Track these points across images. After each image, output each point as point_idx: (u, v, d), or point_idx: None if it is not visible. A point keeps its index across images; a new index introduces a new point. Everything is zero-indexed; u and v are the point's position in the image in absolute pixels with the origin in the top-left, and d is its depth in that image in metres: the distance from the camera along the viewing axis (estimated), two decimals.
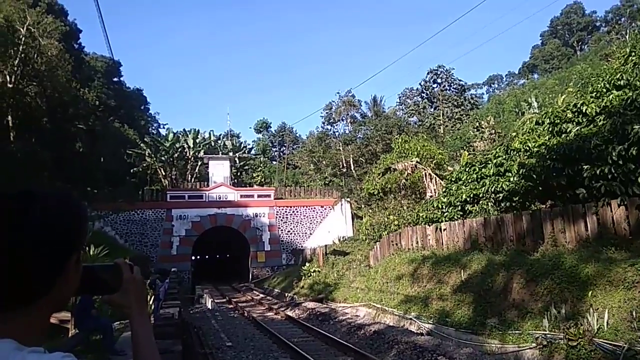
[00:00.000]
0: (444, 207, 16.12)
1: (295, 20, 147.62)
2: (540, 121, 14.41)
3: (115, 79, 60.51)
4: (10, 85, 30.18)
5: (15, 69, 30.17)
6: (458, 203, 15.46)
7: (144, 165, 40.24)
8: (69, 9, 48.49)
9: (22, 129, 31.77)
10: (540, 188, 12.66)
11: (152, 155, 39.40)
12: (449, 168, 23.28)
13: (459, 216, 15.48)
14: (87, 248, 21.08)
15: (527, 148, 12.75)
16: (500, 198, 13.96)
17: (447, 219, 15.77)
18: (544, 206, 13.54)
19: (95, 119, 44.14)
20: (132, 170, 40.12)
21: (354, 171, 45.10)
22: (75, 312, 8.43)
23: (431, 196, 21.13)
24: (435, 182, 21.09)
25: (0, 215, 0.87)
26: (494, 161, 14.72)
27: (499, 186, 13.81)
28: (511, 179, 13.42)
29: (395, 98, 73.93)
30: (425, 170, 21.82)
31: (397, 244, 18.19)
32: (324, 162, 49.34)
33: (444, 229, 15.31)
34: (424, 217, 16.87)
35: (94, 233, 25.45)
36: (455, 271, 12.80)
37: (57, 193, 0.95)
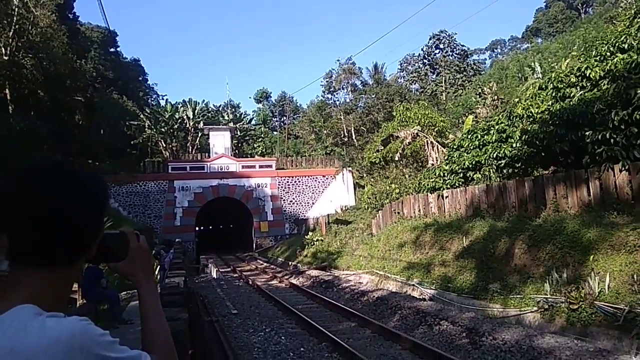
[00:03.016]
0: (445, 174, 16.11)
1: None
2: (543, 86, 14.23)
3: (112, 50, 59.65)
4: (6, 58, 29.78)
5: (10, 40, 29.69)
6: (460, 170, 15.45)
7: (144, 137, 40.07)
8: None
9: (19, 102, 31.50)
10: (543, 154, 12.61)
11: (152, 127, 39.21)
12: (451, 136, 23.14)
13: (460, 183, 15.50)
14: None
15: (530, 114, 12.63)
16: (503, 164, 13.95)
17: (449, 187, 15.79)
18: (547, 172, 13.53)
19: (93, 90, 43.73)
20: (132, 142, 39.98)
21: (355, 140, 44.88)
22: (83, 282, 8.53)
23: (433, 164, 21.09)
24: (437, 150, 21.01)
25: (56, 178, 0.95)
26: (496, 127, 14.63)
27: (502, 152, 13.78)
28: (513, 145, 13.37)
29: (397, 65, 73.03)
30: (427, 138, 21.70)
31: (399, 212, 18.29)
32: (324, 132, 49.05)
33: (446, 197, 15.35)
34: (426, 185, 16.89)
35: None
36: (457, 238, 12.90)
37: (90, 171, 1.06)
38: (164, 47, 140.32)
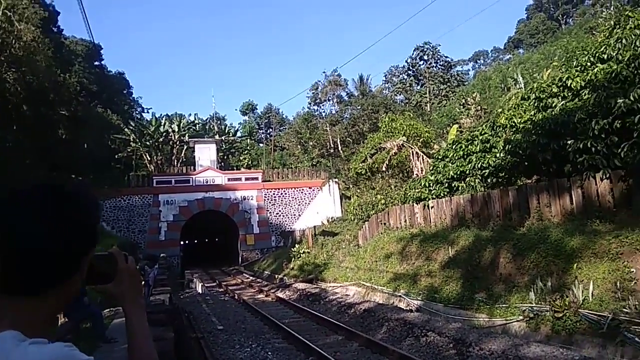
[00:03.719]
0: (431, 185, 16.18)
1: (280, 1, 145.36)
2: (525, 96, 14.42)
3: (96, 63, 59.23)
4: None
5: None
6: (445, 180, 15.53)
7: (129, 150, 39.69)
8: None
9: (2, 117, 31.04)
10: (526, 163, 12.74)
11: (137, 141, 38.86)
12: (436, 146, 23.33)
13: (445, 193, 15.57)
14: None
15: (513, 124, 12.77)
16: (487, 174, 14.06)
17: (434, 197, 15.85)
18: (530, 181, 13.67)
19: (77, 104, 43.16)
20: (116, 156, 39.57)
21: (341, 151, 45.01)
22: None
23: (418, 175, 21.19)
24: (422, 160, 21.13)
25: (36, 204, 0.91)
26: (480, 138, 14.77)
27: (486, 162, 13.89)
28: (497, 155, 13.49)
29: (382, 76, 73.59)
30: (412, 148, 21.83)
31: (385, 223, 18.29)
32: (311, 143, 49.15)
33: (432, 207, 15.40)
34: (412, 195, 16.94)
35: None
36: (443, 248, 12.92)
37: (82, 188, 1.01)
38: (150, 60, 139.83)
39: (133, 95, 67.37)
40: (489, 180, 14.08)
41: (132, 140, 39.23)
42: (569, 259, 9.04)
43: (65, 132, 40.73)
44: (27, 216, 0.88)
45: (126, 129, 39.31)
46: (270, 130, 60.83)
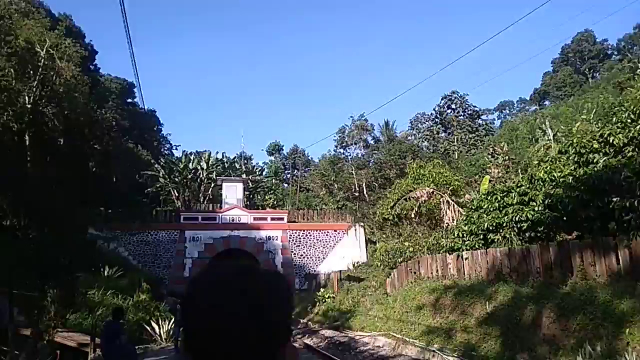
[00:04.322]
0: (464, 235, 15.90)
1: (308, 44, 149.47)
2: (563, 150, 14.29)
3: (129, 100, 61.35)
4: (29, 106, 30.63)
5: (34, 89, 30.66)
6: (480, 232, 15.24)
7: (158, 186, 40.39)
8: (85, 30, 49.50)
9: (37, 149, 32.08)
10: (565, 219, 12.46)
11: (166, 177, 39.59)
12: (467, 195, 23.09)
13: (480, 245, 15.26)
14: (101, 269, 21.06)
15: (553, 178, 12.59)
16: (524, 228, 13.76)
17: (468, 248, 15.54)
18: (570, 237, 13.32)
19: (109, 139, 44.58)
20: (145, 191, 40.27)
21: (366, 195, 44.93)
22: (103, 338, 8.30)
23: (448, 224, 20.91)
24: (453, 209, 20.88)
25: (262, 289, 0.92)
26: (517, 190, 14.55)
27: (523, 215, 13.61)
28: (536, 209, 13.23)
29: (406, 122, 74.19)
30: (442, 197, 21.63)
31: (415, 272, 17.94)
32: (336, 186, 49.26)
33: (466, 258, 15.07)
34: (445, 245, 16.65)
35: (109, 254, 25.37)
36: (479, 302, 12.54)
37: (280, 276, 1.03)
38: (180, 99, 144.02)
39: (162, 133, 69.30)
40: (526, 234, 13.77)
41: (161, 176, 39.97)
42: (619, 323, 8.65)
43: (96, 166, 41.87)
44: (265, 299, 0.89)
45: (156, 165, 40.14)
46: (296, 171, 61.32)
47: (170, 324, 15.56)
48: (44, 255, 9.60)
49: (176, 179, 40.03)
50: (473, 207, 16.64)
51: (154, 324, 15.77)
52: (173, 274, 31.22)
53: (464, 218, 17.03)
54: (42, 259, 9.63)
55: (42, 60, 30.34)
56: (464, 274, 15.06)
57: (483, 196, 16.69)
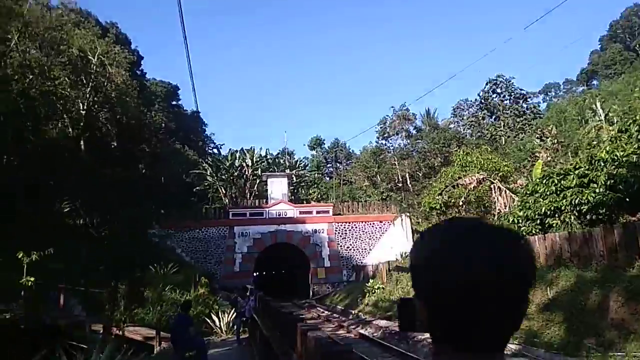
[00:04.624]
0: (520, 221, 15.52)
1: (347, 37, 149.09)
2: (623, 129, 13.71)
3: (173, 103, 63.08)
4: (83, 112, 32.05)
5: (88, 96, 32.03)
6: (537, 217, 14.85)
7: (205, 184, 41.44)
8: (130, 37, 51.15)
9: (92, 152, 33.53)
10: (629, 199, 11.98)
11: (214, 175, 40.55)
12: (520, 181, 22.48)
13: (537, 230, 14.86)
14: (156, 266, 21.84)
15: (615, 157, 12.10)
16: (584, 210, 13.30)
17: (524, 234, 15.16)
18: (633, 219, 12.78)
19: (157, 141, 46.06)
20: (194, 190, 41.41)
21: (410, 186, 44.50)
22: (173, 330, 8.63)
23: (500, 210, 20.44)
24: (505, 195, 20.38)
25: (523, 251, 0.81)
26: (576, 172, 14.06)
27: (583, 198, 13.16)
28: (597, 191, 12.76)
29: (447, 110, 72.77)
30: (493, 183, 21.14)
31: None
32: (379, 177, 49.04)
33: None
34: None
35: (165, 251, 26.25)
36: (539, 289, 12.21)
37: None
38: (221, 98, 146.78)
39: (206, 133, 70.92)
40: (587, 217, 13.31)
41: (208, 174, 40.96)
42: None
43: (145, 167, 43.35)
44: (525, 261, 0.80)
45: (204, 164, 41.16)
46: (338, 164, 61.40)
47: (230, 316, 16.02)
48: (115, 253, 10.10)
49: (223, 177, 40.94)
50: (528, 192, 16.21)
51: (214, 317, 16.28)
52: (224, 269, 32.00)
53: (519, 203, 16.62)
54: (114, 256, 10.12)
55: (94, 68, 31.65)
56: None
57: (538, 180, 16.22)
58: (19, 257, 15.17)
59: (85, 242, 10.66)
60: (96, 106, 33.91)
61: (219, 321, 16.01)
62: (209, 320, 16.20)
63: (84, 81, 31.79)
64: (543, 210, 14.49)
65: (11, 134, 27.17)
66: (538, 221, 14.83)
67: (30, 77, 27.23)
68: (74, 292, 16.01)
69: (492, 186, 21.75)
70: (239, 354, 11.53)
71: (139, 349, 12.13)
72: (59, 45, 28.85)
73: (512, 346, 11.23)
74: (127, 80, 35.39)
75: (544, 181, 15.67)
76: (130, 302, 13.22)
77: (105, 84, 33.37)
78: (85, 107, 31.73)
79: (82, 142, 32.13)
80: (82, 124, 31.82)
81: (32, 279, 14.80)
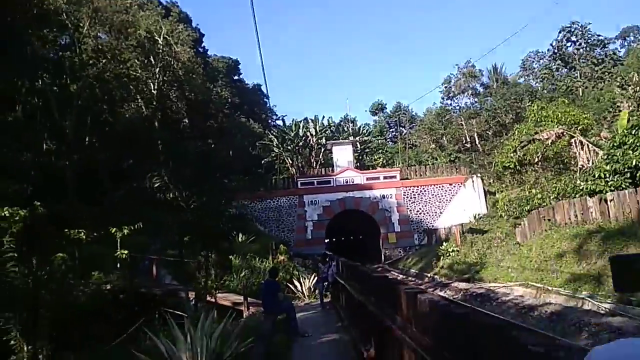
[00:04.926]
0: (607, 175, 14.66)
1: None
2: None
3: (235, 77, 64.18)
4: (155, 92, 33.39)
5: (158, 76, 33.27)
6: (626, 170, 13.96)
7: (272, 155, 42.29)
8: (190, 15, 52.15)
9: (165, 129, 35.01)
10: None
11: (280, 146, 41.26)
12: (603, 133, 21.11)
13: (627, 185, 14.00)
14: (234, 235, 22.78)
15: None
16: None
17: (612, 189, 14.33)
18: None
19: (223, 116, 47.33)
20: (262, 162, 42.41)
21: (479, 146, 43.02)
22: (263, 295, 9.04)
23: (583, 165, 19.37)
24: (588, 149, 19.24)
25: None
26: None
27: None
28: None
29: (515, 64, 68.73)
30: (575, 137, 20.00)
31: (550, 220, 16.99)
32: (445, 139, 47.77)
33: (611, 200, 13.92)
34: (584, 188, 15.50)
35: (242, 221, 27.27)
36: (634, 245, 11.60)
37: None
38: (278, 69, 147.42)
39: (268, 105, 71.79)
40: None
41: (274, 145, 41.70)
42: None
43: (214, 141, 44.79)
44: None
45: (270, 135, 41.92)
46: (401, 128, 60.33)
47: (311, 281, 16.56)
48: (205, 224, 10.69)
49: (289, 147, 41.56)
50: (615, 144, 15.22)
51: (295, 282, 16.91)
52: (296, 237, 32.84)
53: (605, 157, 15.65)
54: (204, 227, 10.71)
55: (161, 48, 32.72)
56: (610, 217, 13.96)
57: (626, 131, 15.16)
58: (113, 232, 16.40)
59: (175, 214, 11.34)
60: (166, 85, 35.16)
61: (301, 286, 16.59)
62: (290, 286, 16.84)
63: (153, 61, 32.95)
64: (634, 163, 13.61)
65: (90, 117, 28.95)
66: (628, 175, 13.97)
67: (104, 61, 28.57)
68: (164, 262, 17.14)
69: (572, 140, 20.57)
70: (324, 317, 11.92)
71: (230, 314, 12.87)
72: (127, 28, 29.95)
73: (605, 305, 10.84)
74: (192, 58, 36.34)
75: (632, 132, 14.64)
76: (221, 271, 13.99)
77: (173, 62, 34.45)
78: (156, 87, 32.99)
79: (155, 121, 33.61)
80: (154, 103, 33.21)
81: (126, 251, 15.98)
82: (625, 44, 69.54)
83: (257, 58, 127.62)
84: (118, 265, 16.49)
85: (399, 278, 24.22)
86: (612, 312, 10.31)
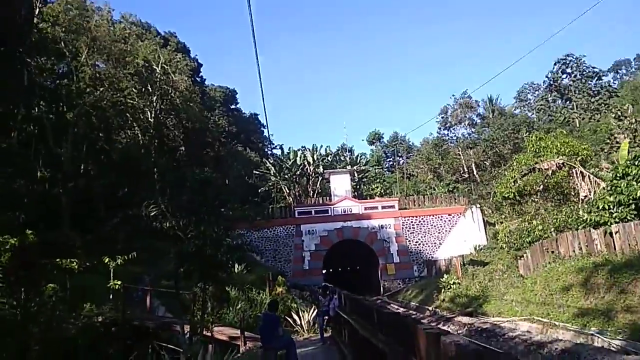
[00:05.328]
0: (611, 207, 14.44)
1: (403, 27, 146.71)
2: None
3: (232, 106, 64.59)
4: (152, 120, 33.38)
5: (155, 104, 33.33)
6: (631, 201, 13.75)
7: (269, 184, 42.03)
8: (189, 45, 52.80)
9: (162, 157, 34.84)
10: None
11: (277, 174, 41.07)
12: (604, 164, 21.03)
13: (632, 216, 13.77)
14: (231, 266, 22.30)
15: None
16: None
17: (617, 220, 14.08)
18: None
19: (219, 144, 47.32)
20: (258, 191, 42.12)
21: (477, 176, 42.97)
22: (261, 329, 8.64)
23: (586, 196, 19.18)
24: (589, 180, 19.09)
25: None
26: None
27: None
28: None
29: (509, 96, 69.64)
30: (575, 167, 19.88)
31: (553, 252, 16.67)
32: (443, 169, 47.76)
33: (616, 232, 13.66)
34: (588, 220, 15.25)
35: (241, 251, 26.77)
36: None
37: None
38: (275, 98, 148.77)
39: (265, 134, 72.06)
40: None
41: (271, 174, 41.51)
42: None
43: (210, 169, 44.61)
44: None
45: (267, 164, 41.78)
46: (399, 158, 60.41)
47: (311, 314, 16.02)
48: (202, 254, 10.33)
49: (286, 176, 41.39)
50: (618, 175, 15.06)
51: (294, 315, 16.36)
52: (294, 267, 32.29)
53: (608, 188, 15.47)
54: (204, 257, 10.35)
55: (159, 76, 32.89)
56: (615, 249, 13.67)
57: (629, 162, 15.04)
58: (106, 261, 15.97)
59: (174, 243, 11.02)
60: (163, 113, 35.23)
61: (300, 319, 16.04)
62: (289, 319, 16.29)
63: (150, 90, 33.07)
64: (638, 195, 13.41)
65: (86, 145, 28.75)
66: (633, 206, 13.74)
67: (101, 89, 28.59)
68: (158, 293, 16.64)
69: (572, 171, 20.44)
70: (326, 353, 11.42)
71: (226, 349, 12.34)
72: (124, 57, 30.17)
73: (615, 342, 10.44)
74: (190, 87, 36.53)
75: (635, 162, 14.52)
76: (217, 303, 13.55)
77: (170, 91, 34.61)
78: (153, 115, 33.02)
79: (152, 149, 33.48)
80: (151, 131, 33.16)
81: (119, 282, 15.52)
82: (618, 76, 70.85)
83: (253, 87, 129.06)
84: (111, 296, 16.02)
85: (400, 310, 23.65)
86: (625, 350, 9.91)
